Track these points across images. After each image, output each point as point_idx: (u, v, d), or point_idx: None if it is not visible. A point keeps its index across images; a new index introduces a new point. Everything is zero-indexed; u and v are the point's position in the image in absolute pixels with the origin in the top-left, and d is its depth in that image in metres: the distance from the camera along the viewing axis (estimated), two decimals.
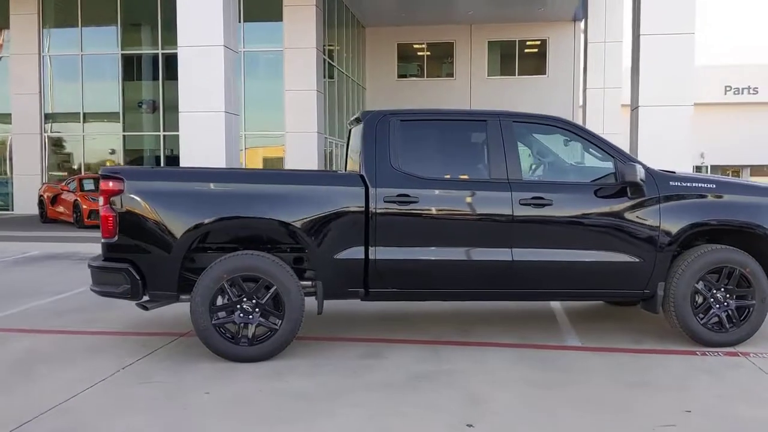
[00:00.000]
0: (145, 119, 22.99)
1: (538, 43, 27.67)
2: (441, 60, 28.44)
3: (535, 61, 27.82)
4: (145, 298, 5.50)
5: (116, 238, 5.36)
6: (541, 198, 5.57)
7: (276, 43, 20.75)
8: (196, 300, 5.32)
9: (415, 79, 28.36)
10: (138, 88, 23.24)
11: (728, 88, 45.95)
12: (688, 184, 5.77)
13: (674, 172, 6.17)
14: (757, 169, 43.41)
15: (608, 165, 5.79)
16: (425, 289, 5.70)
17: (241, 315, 5.37)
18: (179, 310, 6.63)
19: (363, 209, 5.47)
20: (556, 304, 7.36)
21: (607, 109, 19.53)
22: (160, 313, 6.88)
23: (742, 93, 45.53)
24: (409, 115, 5.77)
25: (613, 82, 19.39)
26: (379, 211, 5.47)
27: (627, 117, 23.60)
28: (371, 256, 5.49)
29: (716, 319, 5.76)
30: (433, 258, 5.56)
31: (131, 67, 22.91)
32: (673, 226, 5.64)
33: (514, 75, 27.61)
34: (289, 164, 20.40)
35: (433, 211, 5.58)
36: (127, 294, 5.38)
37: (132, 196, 5.35)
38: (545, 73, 27.47)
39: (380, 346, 5.89)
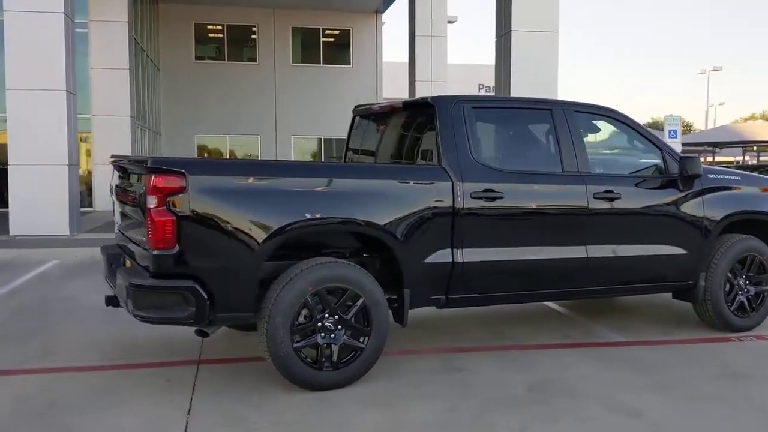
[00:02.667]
0: None
1: (341, 32, 27.57)
2: (242, 43, 27.10)
3: (340, 51, 27.68)
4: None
5: (176, 248, 4.18)
6: (611, 191, 5.41)
7: (79, 13, 18.20)
8: (275, 321, 4.36)
9: (214, 61, 26.72)
10: None
11: (481, 87, 49.54)
12: (722, 177, 5.98)
13: None
14: None
15: (649, 157, 5.81)
16: (507, 291, 5.26)
17: (323, 335, 4.52)
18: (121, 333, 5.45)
19: (450, 207, 4.88)
20: None
21: None
22: (110, 338, 5.79)
23: (492, 91, 49.48)
24: (479, 102, 5.25)
25: (439, 75, 19.95)
26: (465, 208, 4.92)
27: None
28: (457, 259, 4.93)
29: (740, 305, 6.06)
30: (518, 258, 5.14)
31: None
32: (715, 217, 5.82)
33: (319, 63, 27.22)
34: (99, 153, 18.10)
35: (518, 207, 5.15)
36: (191, 318, 4.25)
37: (198, 195, 4.22)
38: (350, 64, 27.49)
39: (448, 356, 5.33)
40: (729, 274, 5.95)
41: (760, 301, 6.15)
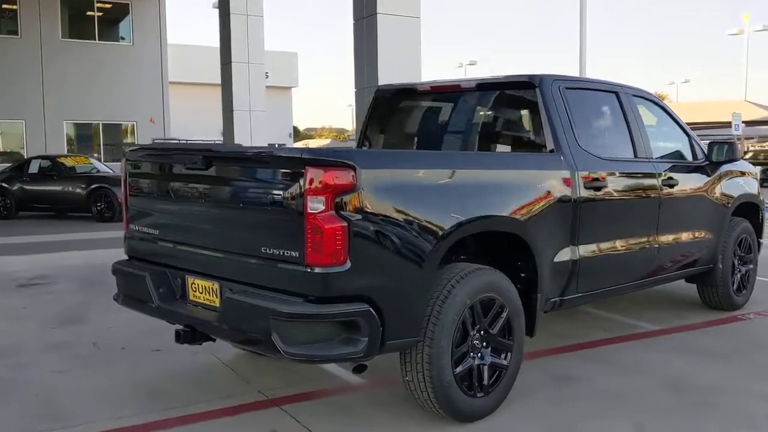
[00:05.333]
0: None
1: (118, 6, 24.80)
2: None
3: (118, 27, 24.97)
4: None
5: (347, 263, 3.19)
6: (671, 178, 5.31)
7: None
8: (440, 344, 3.56)
9: None
10: None
11: None
12: (728, 162, 6.14)
13: None
14: None
15: (681, 143, 5.79)
16: (604, 288, 4.87)
17: (472, 354, 3.80)
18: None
19: (570, 198, 4.38)
20: None
21: (253, 84, 18.75)
22: (116, 383, 4.56)
23: None
24: (569, 82, 4.75)
25: (257, 57, 18.71)
26: (581, 199, 4.45)
27: (271, 95, 23.19)
28: (575, 256, 4.45)
29: (738, 284, 6.34)
30: (618, 251, 4.82)
31: None
32: (731, 201, 6.00)
33: (94, 39, 24.29)
34: None
35: (617, 197, 4.80)
36: (363, 352, 3.28)
37: (370, 193, 3.26)
38: (130, 41, 24.91)
39: (534, 363, 4.80)
40: (732, 255, 6.19)
41: (747, 278, 6.49)
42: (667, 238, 5.29)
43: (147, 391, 4.32)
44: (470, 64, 42.98)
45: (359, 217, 3.21)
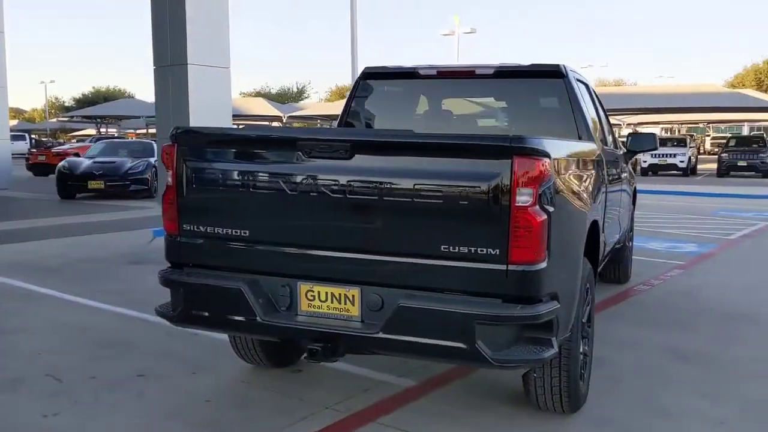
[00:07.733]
0: None
1: None
2: None
3: None
4: None
5: (547, 260, 2.96)
6: (623, 165, 5.76)
7: None
8: (577, 336, 3.51)
9: None
10: None
11: None
12: (644, 152, 6.76)
13: None
14: None
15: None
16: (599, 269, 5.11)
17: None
18: None
19: (605, 185, 4.54)
20: None
21: None
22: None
23: None
24: (575, 73, 4.86)
25: None
26: (607, 186, 4.64)
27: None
28: (605, 241, 4.63)
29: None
30: (611, 239, 5.11)
31: None
32: (632, 186, 6.70)
33: None
34: None
35: (615, 182, 5.09)
36: (555, 353, 3.07)
37: (558, 184, 3.07)
38: None
39: None
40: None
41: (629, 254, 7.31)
42: (622, 220, 5.75)
43: (193, 426, 3.56)
44: None
45: (552, 209, 3.00)
